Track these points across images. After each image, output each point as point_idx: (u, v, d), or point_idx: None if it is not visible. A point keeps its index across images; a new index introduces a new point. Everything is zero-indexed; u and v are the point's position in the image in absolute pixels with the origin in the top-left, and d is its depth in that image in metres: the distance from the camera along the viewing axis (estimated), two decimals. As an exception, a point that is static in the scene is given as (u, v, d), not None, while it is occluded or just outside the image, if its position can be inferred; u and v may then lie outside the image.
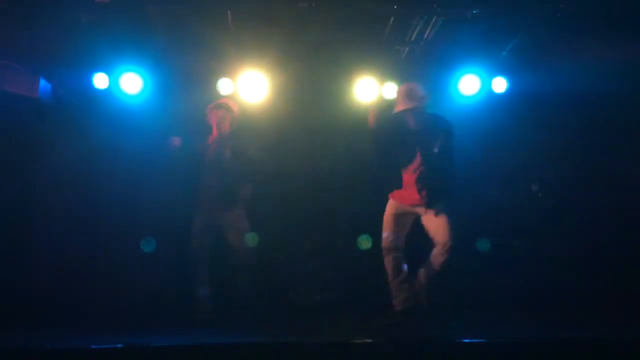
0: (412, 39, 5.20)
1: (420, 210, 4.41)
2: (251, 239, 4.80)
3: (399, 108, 4.41)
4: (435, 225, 4.34)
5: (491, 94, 5.44)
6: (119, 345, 3.34)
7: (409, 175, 4.43)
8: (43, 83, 5.09)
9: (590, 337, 3.71)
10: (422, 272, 4.40)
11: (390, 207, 4.53)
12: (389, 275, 4.43)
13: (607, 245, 5.58)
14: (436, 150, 4.37)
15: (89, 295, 5.08)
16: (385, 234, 4.46)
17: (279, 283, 5.25)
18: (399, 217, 4.47)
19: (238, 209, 4.87)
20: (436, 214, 4.33)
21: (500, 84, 5.42)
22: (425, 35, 5.13)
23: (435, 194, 4.34)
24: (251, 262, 4.83)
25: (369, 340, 3.66)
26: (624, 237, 5.50)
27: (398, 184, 4.47)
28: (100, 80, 5.18)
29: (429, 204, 4.35)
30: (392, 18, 4.89)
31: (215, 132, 4.97)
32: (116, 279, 5.21)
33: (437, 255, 4.31)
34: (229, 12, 4.74)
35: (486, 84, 5.40)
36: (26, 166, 5.30)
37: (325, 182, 5.47)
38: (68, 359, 3.27)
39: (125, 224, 5.32)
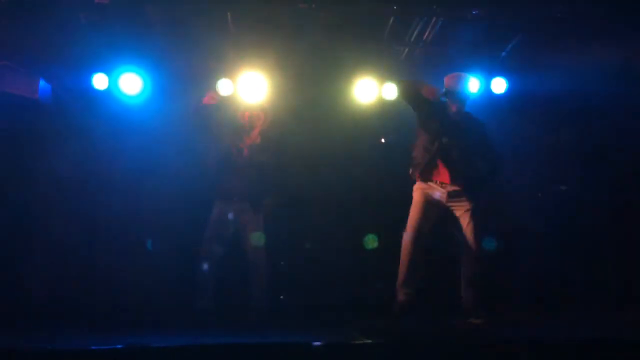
0: (412, 39, 5.21)
1: (447, 199, 4.35)
2: (259, 238, 4.80)
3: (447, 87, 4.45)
4: (465, 225, 4.32)
5: (490, 94, 5.44)
6: (119, 346, 3.34)
7: (442, 160, 4.38)
8: (43, 84, 5.10)
9: (589, 337, 3.71)
10: (464, 274, 4.36)
11: (419, 193, 4.44)
12: (401, 265, 4.34)
13: (605, 243, 5.60)
14: (471, 141, 4.38)
15: (89, 295, 5.08)
16: (410, 221, 4.38)
17: (279, 284, 5.24)
18: (427, 203, 4.38)
19: (257, 212, 4.85)
20: (466, 211, 4.32)
21: (499, 85, 5.43)
22: (425, 36, 5.14)
23: (467, 180, 4.33)
24: (261, 263, 4.81)
25: (370, 341, 3.66)
26: (623, 235, 5.51)
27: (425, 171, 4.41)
28: (99, 81, 5.18)
29: (452, 195, 4.32)
30: (391, 19, 4.90)
31: (253, 136, 4.91)
32: (116, 279, 5.21)
33: (468, 266, 4.32)
34: (228, 13, 4.74)
35: (485, 85, 5.41)
36: (26, 167, 5.30)
37: (325, 182, 5.47)
38: (68, 360, 3.27)
39: (125, 225, 5.32)
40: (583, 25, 4.84)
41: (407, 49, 5.40)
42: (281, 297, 5.24)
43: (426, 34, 5.09)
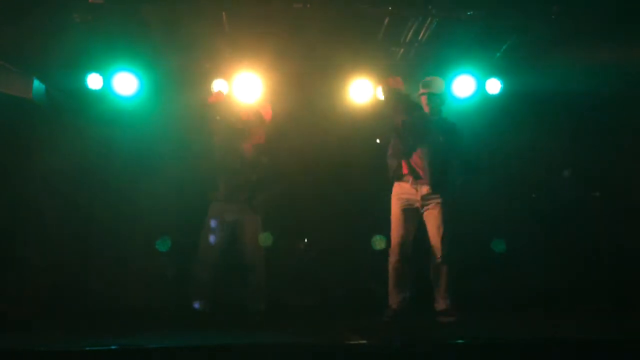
0: (407, 40, 5.22)
1: (420, 201, 4.47)
2: (265, 239, 4.80)
3: (420, 92, 4.60)
4: (431, 225, 4.44)
5: (485, 95, 5.46)
6: (114, 347, 3.33)
7: (414, 161, 4.50)
8: (37, 84, 5.07)
9: (587, 337, 3.72)
10: (435, 274, 4.46)
11: (395, 202, 4.56)
12: (390, 274, 4.49)
13: (602, 244, 5.61)
14: (442, 140, 4.47)
15: (83, 296, 5.07)
16: (393, 233, 4.52)
17: (276, 283, 5.24)
18: (405, 213, 4.51)
19: (255, 212, 4.85)
20: (434, 208, 4.43)
21: (494, 85, 5.44)
22: (420, 37, 5.14)
23: (438, 181, 4.42)
24: (259, 264, 4.81)
25: (364, 342, 3.66)
26: (619, 235, 5.52)
27: (399, 172, 4.53)
28: (94, 81, 5.17)
29: (431, 189, 4.43)
30: (386, 19, 4.90)
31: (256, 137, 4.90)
32: (110, 280, 5.20)
33: (436, 268, 4.43)
34: (223, 12, 4.73)
35: (480, 85, 5.42)
36: (20, 167, 5.27)
37: (320, 182, 5.47)
38: (62, 361, 3.26)
39: (120, 225, 5.31)
40: (577, 26, 4.84)
41: (402, 50, 5.41)
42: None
43: (421, 34, 5.10)
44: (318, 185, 5.45)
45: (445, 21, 4.87)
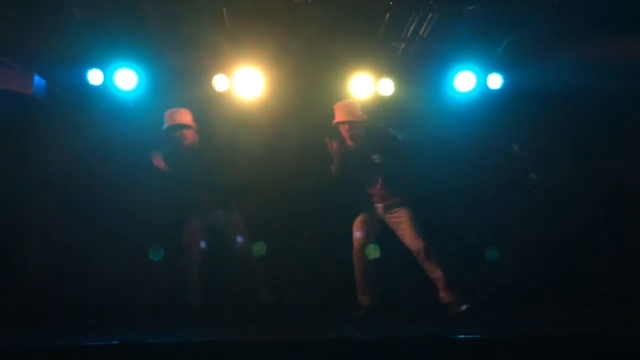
0: (408, 35, 5.20)
1: (385, 214, 4.74)
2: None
3: (336, 120, 4.76)
4: (401, 228, 4.67)
5: (486, 90, 5.44)
6: (115, 342, 3.34)
7: (373, 190, 4.77)
8: (37, 79, 5.07)
9: (584, 333, 3.72)
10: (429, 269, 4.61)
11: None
12: (356, 272, 4.72)
13: (600, 240, 5.61)
14: (377, 159, 4.68)
15: (84, 292, 5.07)
16: (356, 234, 4.75)
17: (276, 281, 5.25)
18: (366, 223, 4.79)
19: (235, 210, 4.90)
20: (397, 217, 4.68)
21: (495, 81, 5.43)
22: (421, 32, 5.12)
23: (390, 199, 4.69)
24: (251, 262, 4.86)
25: (361, 337, 3.67)
26: (618, 232, 5.53)
27: (368, 203, 4.80)
28: (94, 77, 5.15)
29: (387, 209, 4.72)
30: (387, 14, 4.88)
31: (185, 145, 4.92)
32: (111, 275, 5.20)
33: (421, 262, 4.61)
34: (224, 8, 4.72)
35: (481, 81, 5.41)
36: (21, 163, 5.28)
37: (320, 178, 5.46)
38: (63, 356, 3.25)
39: (121, 220, 5.31)
40: (579, 21, 4.83)
41: (403, 45, 5.39)
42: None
43: (422, 29, 5.08)
44: (318, 180, 5.44)
45: (446, 16, 4.85)
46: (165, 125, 4.85)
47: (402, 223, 4.66)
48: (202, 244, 4.83)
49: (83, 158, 5.35)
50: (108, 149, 5.34)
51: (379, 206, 4.76)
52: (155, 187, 5.17)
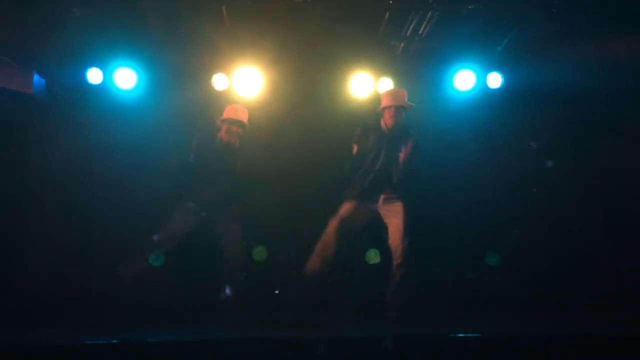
0: (408, 34, 5.20)
1: (382, 206, 4.67)
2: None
3: (385, 104, 4.65)
4: (393, 222, 4.61)
5: (486, 89, 5.45)
6: (114, 341, 3.33)
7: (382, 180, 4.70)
8: (37, 78, 5.07)
9: (584, 333, 3.72)
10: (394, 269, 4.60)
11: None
12: (321, 239, 4.69)
13: (600, 240, 5.61)
14: (401, 152, 4.63)
15: (84, 290, 5.07)
16: (345, 206, 4.73)
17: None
18: (356, 208, 4.73)
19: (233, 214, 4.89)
20: (393, 210, 4.62)
21: (495, 80, 5.43)
22: (421, 31, 5.12)
23: (394, 192, 4.63)
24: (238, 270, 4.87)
25: (361, 335, 3.67)
26: (617, 232, 5.53)
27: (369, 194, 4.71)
28: (94, 75, 5.15)
29: (387, 200, 4.65)
30: (387, 13, 4.88)
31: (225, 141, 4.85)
32: (111, 274, 5.19)
33: (395, 266, 4.58)
34: (224, 7, 4.72)
35: (481, 80, 5.41)
36: (20, 162, 5.27)
37: (320, 177, 5.46)
38: (63, 355, 3.25)
39: (120, 219, 5.30)
40: (579, 20, 4.83)
41: (403, 44, 5.39)
42: (276, 291, 5.24)
43: (422, 28, 5.08)
44: (318, 179, 5.44)
45: (446, 15, 4.85)
46: (227, 117, 4.78)
47: (395, 217, 4.62)
48: (181, 233, 4.79)
49: (83, 157, 5.34)
50: (108, 148, 5.33)
51: (382, 196, 4.70)
52: (154, 185, 5.16)
